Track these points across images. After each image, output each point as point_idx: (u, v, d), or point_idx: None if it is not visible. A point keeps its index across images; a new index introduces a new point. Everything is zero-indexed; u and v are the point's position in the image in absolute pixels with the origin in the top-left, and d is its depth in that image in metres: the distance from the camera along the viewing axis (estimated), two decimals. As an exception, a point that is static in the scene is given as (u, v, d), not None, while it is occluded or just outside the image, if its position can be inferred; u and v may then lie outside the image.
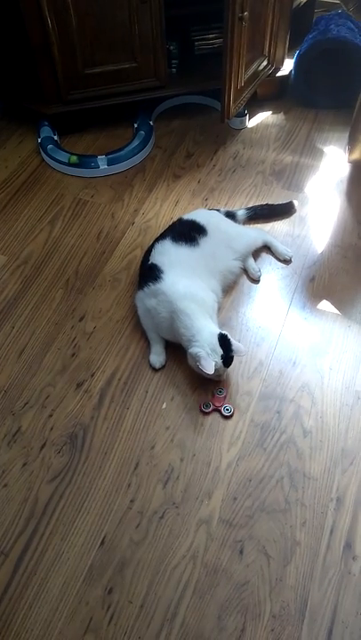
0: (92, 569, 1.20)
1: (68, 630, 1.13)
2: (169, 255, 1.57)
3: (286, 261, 1.75)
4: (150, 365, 1.52)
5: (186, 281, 1.51)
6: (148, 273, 1.56)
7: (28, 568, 1.20)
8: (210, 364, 1.34)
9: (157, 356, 1.52)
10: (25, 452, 1.37)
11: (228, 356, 1.39)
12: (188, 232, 1.61)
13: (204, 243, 1.60)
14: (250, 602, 1.15)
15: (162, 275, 1.52)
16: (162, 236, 1.65)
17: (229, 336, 1.40)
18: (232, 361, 1.42)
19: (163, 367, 1.51)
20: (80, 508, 1.28)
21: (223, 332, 1.41)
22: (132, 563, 1.21)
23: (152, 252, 1.62)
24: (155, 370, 1.51)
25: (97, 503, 1.29)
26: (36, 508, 1.28)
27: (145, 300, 1.54)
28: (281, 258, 1.76)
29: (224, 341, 1.39)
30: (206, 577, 1.18)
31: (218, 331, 1.41)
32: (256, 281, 1.71)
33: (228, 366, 1.43)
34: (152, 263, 1.58)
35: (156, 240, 1.66)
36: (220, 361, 1.38)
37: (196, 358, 1.36)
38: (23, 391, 1.49)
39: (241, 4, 1.72)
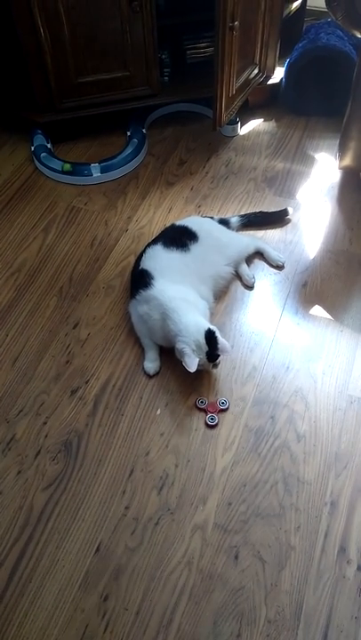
0: (87, 576, 1.20)
1: (64, 638, 1.12)
2: (160, 260, 1.58)
3: (279, 267, 1.77)
4: (144, 372, 1.52)
5: (176, 286, 1.52)
6: (139, 279, 1.57)
7: (23, 576, 1.20)
8: (193, 363, 1.35)
9: (151, 363, 1.52)
10: (19, 460, 1.37)
11: (213, 353, 1.40)
12: (179, 237, 1.62)
13: (195, 248, 1.61)
14: (245, 607, 1.15)
15: (152, 281, 1.53)
16: (153, 242, 1.66)
17: (217, 333, 1.41)
18: (217, 358, 1.44)
19: (157, 374, 1.52)
20: (75, 516, 1.28)
21: (212, 327, 1.41)
22: (127, 569, 1.21)
23: (143, 257, 1.63)
24: (149, 377, 1.52)
25: (92, 510, 1.29)
26: (30, 516, 1.28)
27: (137, 307, 1.54)
28: (274, 264, 1.77)
29: (211, 338, 1.40)
30: (202, 583, 1.19)
31: (207, 326, 1.41)
32: (250, 287, 1.72)
33: (212, 362, 1.44)
34: (142, 269, 1.59)
35: (148, 245, 1.67)
36: (204, 357, 1.40)
37: (181, 354, 1.38)
38: (17, 399, 1.49)
39: (232, 13, 1.74)
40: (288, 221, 1.92)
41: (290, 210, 1.91)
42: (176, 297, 1.48)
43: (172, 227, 1.71)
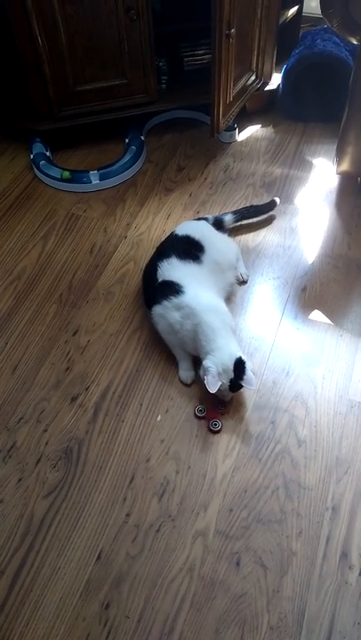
0: (88, 584, 1.19)
1: (66, 647, 1.12)
2: (181, 271, 1.54)
3: (243, 282, 1.76)
4: (181, 382, 1.51)
5: (207, 294, 1.50)
6: (163, 289, 1.52)
7: (24, 585, 1.20)
8: (214, 384, 1.33)
9: (187, 372, 1.51)
10: (20, 468, 1.37)
11: (236, 383, 1.38)
12: (188, 249, 1.59)
13: (205, 259, 1.59)
14: (247, 614, 1.15)
15: (182, 288, 1.49)
16: (165, 255, 1.59)
17: (247, 364, 1.38)
18: (240, 388, 1.40)
19: (194, 382, 1.51)
20: (76, 523, 1.28)
21: (243, 357, 1.39)
22: (128, 577, 1.20)
23: (158, 271, 1.57)
24: (187, 385, 1.51)
25: (93, 518, 1.28)
26: (31, 524, 1.28)
27: (166, 314, 1.50)
28: (239, 278, 1.75)
29: (239, 367, 1.37)
30: (203, 590, 1.18)
31: (238, 355, 1.38)
32: (242, 282, 1.74)
33: (234, 392, 1.42)
34: (165, 280, 1.54)
35: (158, 259, 1.60)
36: (227, 384, 1.37)
37: (205, 372, 1.36)
38: (18, 406, 1.49)
39: (228, 21, 1.76)
40: (286, 225, 1.93)
41: (277, 200, 1.93)
42: (211, 309, 1.45)
43: (176, 238, 1.66)
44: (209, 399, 1.46)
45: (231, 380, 1.37)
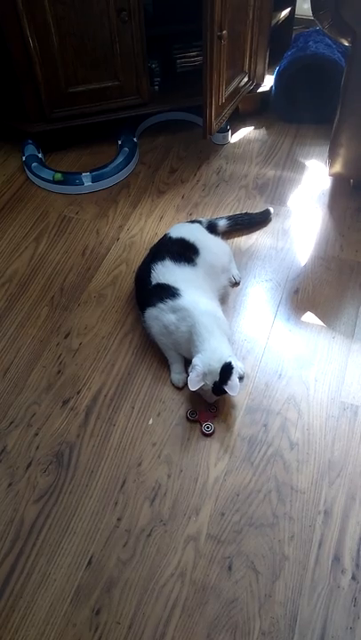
0: (79, 590, 1.18)
1: (55, 654, 1.11)
2: (176, 274, 1.53)
3: (235, 284, 1.75)
4: (173, 384, 1.51)
5: (206, 300, 1.49)
6: (158, 291, 1.51)
7: (14, 591, 1.18)
8: (196, 383, 1.33)
9: (179, 375, 1.50)
10: (10, 472, 1.36)
11: (220, 387, 1.36)
12: (183, 252, 1.58)
13: (200, 261, 1.58)
14: (239, 619, 1.14)
15: (179, 291, 1.48)
16: (159, 257, 1.58)
17: (234, 371, 1.36)
18: (223, 393, 1.38)
19: (185, 385, 1.49)
20: (66, 528, 1.26)
21: (233, 364, 1.37)
22: (119, 582, 1.19)
23: (152, 274, 1.56)
24: (179, 389, 1.50)
25: (84, 522, 1.27)
26: (21, 530, 1.27)
27: (161, 316, 1.48)
28: (231, 280, 1.75)
29: (225, 372, 1.35)
30: (195, 595, 1.17)
31: (228, 359, 1.37)
32: (234, 285, 1.74)
33: (216, 395, 1.41)
34: (160, 283, 1.53)
35: (152, 262, 1.59)
36: (210, 385, 1.36)
37: (191, 369, 1.36)
38: (8, 410, 1.48)
39: (219, 22, 1.75)
40: (278, 227, 1.92)
41: (271, 210, 1.93)
42: (208, 312, 1.44)
43: (170, 240, 1.65)
44: (200, 402, 1.46)
45: (215, 383, 1.36)
